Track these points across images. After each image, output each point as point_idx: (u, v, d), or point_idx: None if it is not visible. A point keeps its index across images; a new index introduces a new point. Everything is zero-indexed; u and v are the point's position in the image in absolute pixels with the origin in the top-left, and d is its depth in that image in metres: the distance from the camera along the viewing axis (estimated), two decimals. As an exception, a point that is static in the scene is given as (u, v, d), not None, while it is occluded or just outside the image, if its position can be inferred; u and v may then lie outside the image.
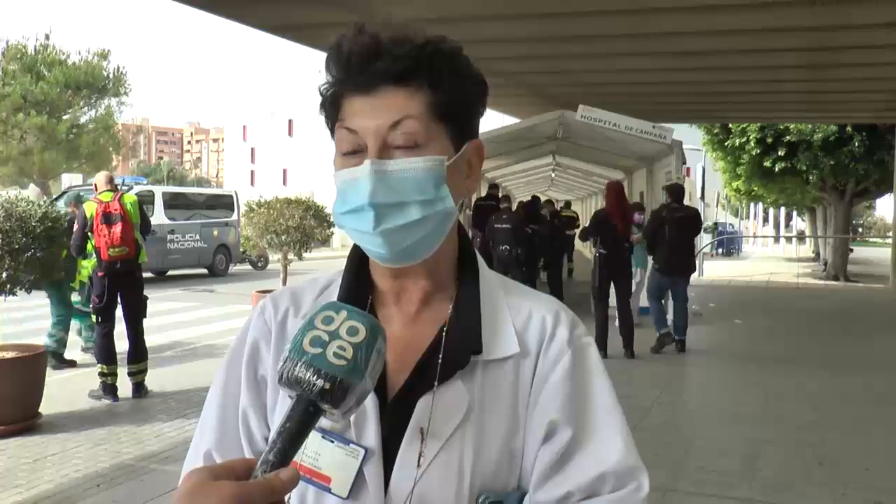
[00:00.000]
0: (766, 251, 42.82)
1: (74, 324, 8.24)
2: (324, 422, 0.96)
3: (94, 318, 6.67)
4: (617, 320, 8.90)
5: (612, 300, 9.10)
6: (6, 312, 7.38)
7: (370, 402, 0.97)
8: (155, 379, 7.13)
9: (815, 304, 15.38)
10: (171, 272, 19.13)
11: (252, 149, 71.19)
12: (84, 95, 36.18)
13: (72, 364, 7.94)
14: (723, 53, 10.41)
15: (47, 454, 5.20)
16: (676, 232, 9.02)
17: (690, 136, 21.88)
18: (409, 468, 0.95)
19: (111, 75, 36.99)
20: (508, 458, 0.98)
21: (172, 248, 18.18)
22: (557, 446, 0.98)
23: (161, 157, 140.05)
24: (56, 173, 34.83)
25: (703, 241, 27.40)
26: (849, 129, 19.01)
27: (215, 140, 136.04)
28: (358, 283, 1.05)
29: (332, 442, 0.97)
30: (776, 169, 20.38)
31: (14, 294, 5.98)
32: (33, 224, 5.91)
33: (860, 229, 64.10)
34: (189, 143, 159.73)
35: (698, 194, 28.89)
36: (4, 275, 5.79)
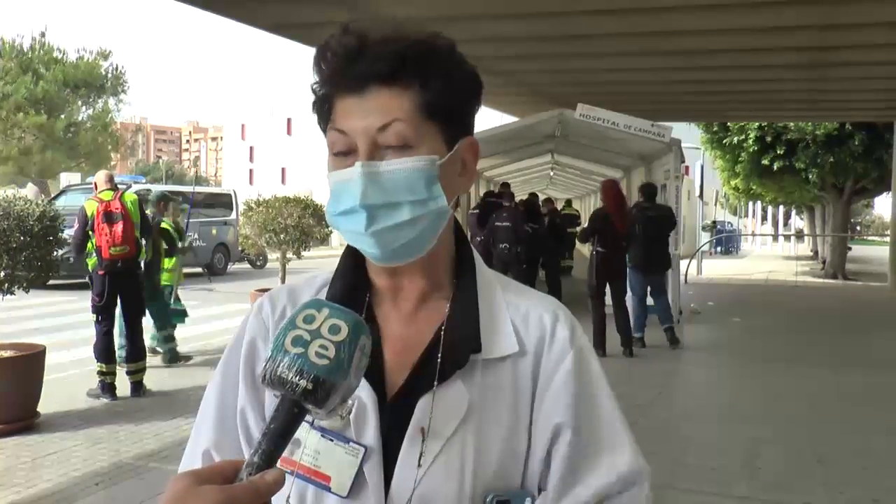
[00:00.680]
0: (764, 249, 42.83)
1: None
2: (323, 420, 0.97)
3: (94, 316, 6.67)
4: (613, 320, 8.91)
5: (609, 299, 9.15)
6: (4, 311, 7.37)
7: (370, 401, 0.97)
8: (153, 378, 7.12)
9: (814, 302, 15.39)
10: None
11: (251, 147, 71.13)
12: (82, 94, 36.17)
13: (187, 359, 8.18)
14: (722, 52, 10.40)
15: (46, 453, 5.20)
16: (648, 230, 9.19)
17: (689, 135, 21.87)
18: (410, 468, 0.95)
19: (109, 74, 36.98)
20: (511, 457, 0.98)
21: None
22: (569, 453, 0.98)
23: (159, 156, 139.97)
24: (54, 172, 34.83)
25: (702, 239, 27.47)
26: (848, 127, 19.01)
27: (214, 139, 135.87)
28: (355, 282, 1.05)
29: (332, 441, 0.97)
30: (775, 167, 20.39)
31: (12, 293, 5.97)
32: (31, 223, 5.90)
33: (858, 227, 64.13)
34: (188, 141, 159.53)
35: (697, 192, 28.94)
36: (2, 274, 5.78)
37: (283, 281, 8.91)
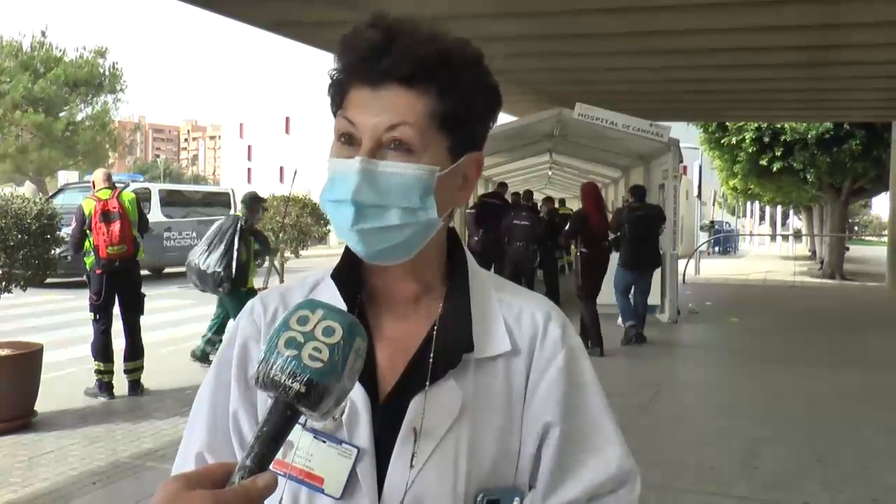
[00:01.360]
0: (762, 249, 42.86)
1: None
2: (316, 422, 0.96)
3: (91, 315, 6.65)
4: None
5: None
6: (2, 310, 7.37)
7: (362, 402, 0.97)
8: (151, 377, 7.10)
9: (812, 302, 15.40)
10: (167, 270, 19.09)
11: (249, 146, 71.14)
12: (81, 93, 36.13)
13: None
14: (721, 52, 10.40)
15: (43, 452, 5.18)
16: (636, 229, 9.45)
17: (687, 135, 21.87)
18: (403, 468, 0.95)
19: (107, 72, 36.95)
20: (504, 456, 0.98)
21: (169, 246, 18.14)
22: (559, 451, 0.99)
23: (158, 155, 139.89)
24: (52, 171, 34.80)
25: (700, 239, 27.50)
26: (846, 126, 19.03)
27: (212, 137, 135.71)
28: (349, 282, 1.04)
29: (325, 442, 0.97)
30: (773, 167, 20.41)
31: (9, 291, 5.96)
32: (29, 221, 5.89)
33: (856, 228, 64.23)
34: (186, 140, 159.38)
35: (695, 192, 28.96)
36: (0, 272, 5.77)
37: (281, 280, 8.91)
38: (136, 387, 6.78)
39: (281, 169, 66.94)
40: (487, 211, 12.37)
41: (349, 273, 1.04)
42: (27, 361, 5.83)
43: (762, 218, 50.90)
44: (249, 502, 0.71)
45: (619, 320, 9.73)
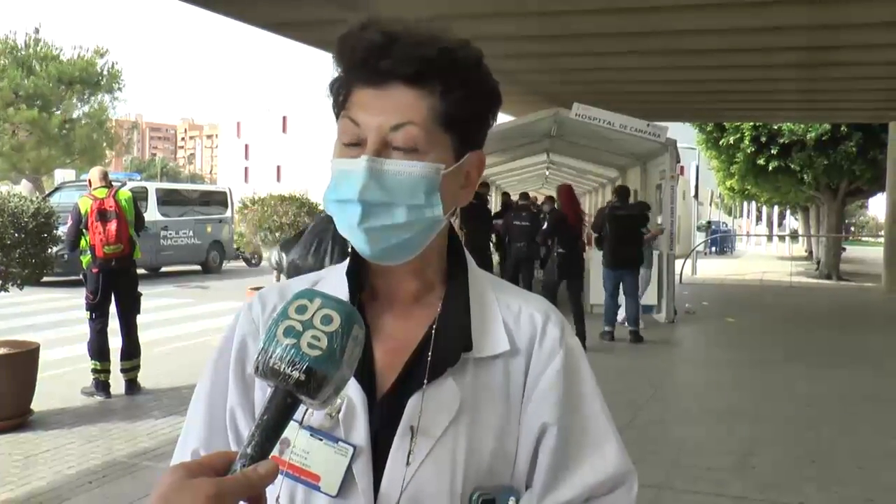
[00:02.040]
0: (759, 250, 42.90)
1: None
2: (313, 420, 0.97)
3: (87, 314, 6.64)
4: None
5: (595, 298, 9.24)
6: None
7: (359, 400, 0.97)
8: (148, 376, 7.09)
9: (808, 302, 15.43)
10: (164, 268, 19.09)
11: (246, 145, 71.04)
12: (77, 90, 36.06)
13: None
14: (718, 52, 10.41)
15: (39, 451, 5.18)
16: (618, 228, 9.65)
17: (685, 135, 21.90)
18: (400, 466, 0.95)
19: (104, 71, 36.87)
20: (501, 456, 0.99)
21: (166, 245, 18.13)
22: (555, 451, 0.99)
23: (155, 154, 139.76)
24: (49, 169, 34.73)
25: (697, 239, 27.52)
26: (843, 128, 19.05)
27: (209, 136, 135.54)
28: (349, 280, 1.04)
29: (321, 440, 0.97)
30: (770, 168, 20.43)
31: (6, 290, 5.95)
32: (25, 220, 5.88)
33: (853, 228, 64.31)
34: (183, 139, 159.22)
35: (692, 193, 28.98)
36: (-4, 271, 5.77)
37: (277, 279, 8.90)
38: (132, 386, 6.77)
39: (278, 168, 66.88)
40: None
41: (350, 271, 1.05)
42: (24, 360, 5.82)
43: (759, 218, 50.94)
44: (251, 489, 0.71)
45: (620, 319, 9.87)
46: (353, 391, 0.96)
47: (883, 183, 18.67)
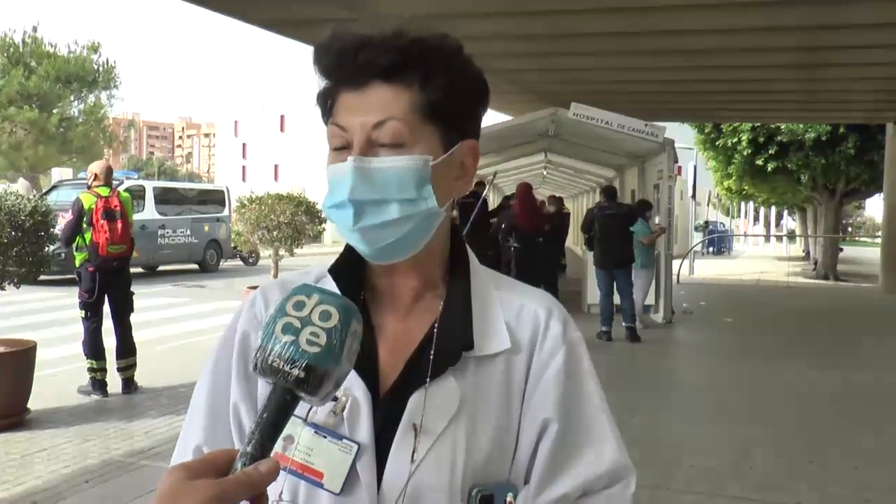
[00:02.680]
0: (756, 250, 42.96)
1: None
2: (317, 417, 0.97)
3: (81, 312, 6.62)
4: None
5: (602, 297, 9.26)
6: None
7: (363, 398, 0.97)
8: (144, 375, 7.08)
9: (805, 302, 15.45)
10: (161, 267, 19.07)
11: (243, 144, 71.01)
12: (74, 89, 36.03)
13: None
14: (716, 52, 10.42)
15: (35, 450, 5.17)
16: (605, 229, 9.84)
17: (682, 135, 21.92)
18: (402, 463, 0.95)
19: (101, 69, 36.85)
20: (500, 452, 0.99)
21: (163, 244, 18.10)
22: (554, 446, 1.00)
23: (152, 152, 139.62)
24: (46, 167, 34.69)
25: (694, 239, 27.53)
26: (841, 129, 19.08)
27: (206, 135, 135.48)
28: (351, 279, 1.04)
29: (325, 437, 0.97)
30: (767, 168, 20.45)
31: (3, 289, 5.94)
32: (22, 218, 5.87)
33: (850, 229, 64.39)
34: (180, 137, 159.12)
35: (690, 193, 29.02)
36: (-7, 269, 5.75)
37: (275, 278, 8.87)
38: (129, 384, 6.76)
39: (276, 167, 66.86)
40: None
41: (350, 272, 1.05)
42: (20, 359, 5.81)
43: (756, 219, 51.00)
44: (252, 489, 0.71)
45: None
46: (357, 389, 0.97)
47: (880, 184, 18.71)
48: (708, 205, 40.47)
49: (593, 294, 10.83)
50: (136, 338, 6.95)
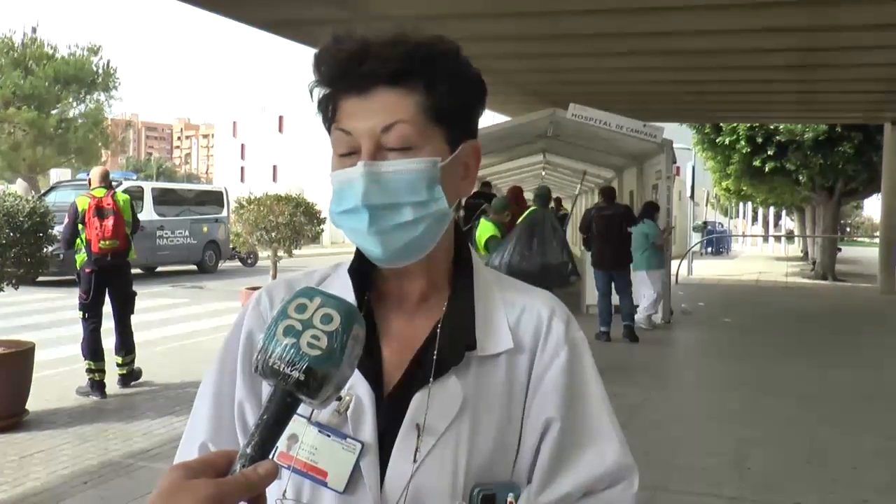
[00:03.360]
0: (755, 250, 42.99)
1: None
2: (321, 416, 0.98)
3: (80, 313, 6.64)
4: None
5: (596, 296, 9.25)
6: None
7: (366, 398, 0.98)
8: (143, 375, 7.09)
9: (804, 302, 15.45)
10: (160, 268, 19.06)
11: (242, 145, 70.95)
12: (73, 90, 36.00)
13: None
14: (714, 53, 10.43)
15: (34, 451, 5.17)
16: (601, 229, 9.88)
17: (681, 136, 21.93)
18: (404, 463, 0.96)
19: (100, 70, 36.82)
20: (502, 452, 1.00)
21: (162, 245, 18.10)
22: (556, 446, 1.00)
23: (150, 153, 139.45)
24: (45, 168, 34.66)
25: (692, 240, 27.54)
26: (839, 129, 19.09)
27: (205, 136, 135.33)
28: (356, 281, 1.05)
29: (329, 437, 0.98)
30: (766, 168, 20.46)
31: (1, 290, 5.94)
32: (21, 219, 5.86)
33: (848, 229, 64.42)
34: (179, 138, 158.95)
35: (688, 193, 29.01)
36: (-9, 270, 5.75)
37: (274, 279, 8.87)
38: (126, 380, 6.82)
39: (274, 168, 66.81)
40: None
41: (355, 272, 1.05)
42: (19, 360, 5.80)
43: (755, 219, 50.99)
44: (250, 490, 0.71)
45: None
46: (361, 389, 0.98)
47: (878, 184, 18.72)
48: (706, 205, 40.47)
49: (592, 295, 10.85)
50: (135, 338, 6.96)
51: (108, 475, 4.74)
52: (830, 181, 21.27)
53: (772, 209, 42.57)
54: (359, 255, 1.04)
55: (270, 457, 0.75)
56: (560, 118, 11.00)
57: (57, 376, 7.26)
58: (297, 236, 8.52)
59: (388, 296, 1.05)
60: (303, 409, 0.80)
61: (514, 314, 1.05)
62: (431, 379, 0.97)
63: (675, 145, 11.59)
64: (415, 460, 0.95)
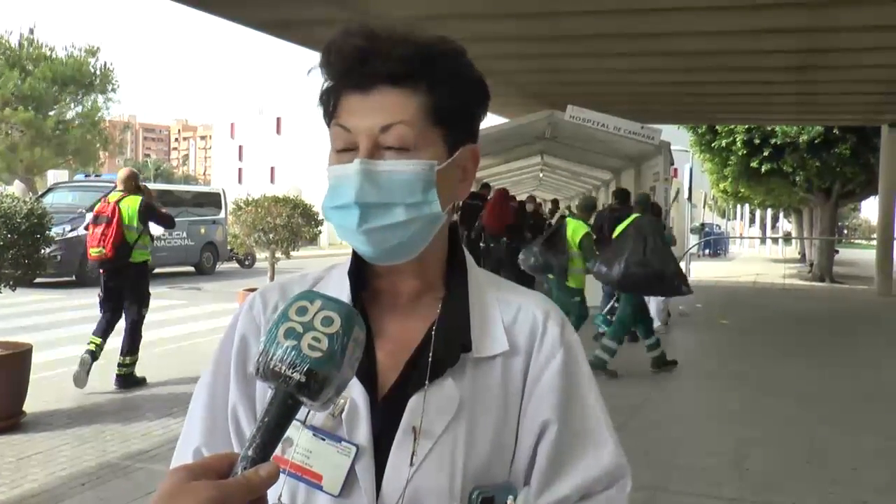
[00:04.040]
0: (752, 252, 43.05)
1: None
2: (316, 420, 0.97)
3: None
4: None
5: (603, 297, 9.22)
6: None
7: (361, 400, 0.97)
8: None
9: (802, 304, 15.47)
10: (158, 270, 19.01)
11: (240, 146, 70.99)
12: (71, 91, 35.96)
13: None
14: (712, 55, 10.45)
15: (32, 453, 5.15)
16: (612, 230, 9.73)
17: (678, 137, 21.94)
18: (401, 466, 0.95)
19: (98, 71, 36.78)
20: (499, 453, 0.99)
21: (159, 246, 18.01)
22: (554, 448, 1.00)
23: (148, 155, 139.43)
24: (42, 169, 34.61)
25: (690, 241, 27.56)
26: (835, 131, 19.11)
27: (203, 137, 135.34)
28: (350, 281, 1.04)
29: (324, 440, 0.97)
30: (763, 170, 20.48)
31: (-1, 291, 5.93)
32: (18, 221, 5.85)
33: (845, 231, 64.53)
34: (176, 140, 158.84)
35: (685, 195, 29.01)
36: (-11, 271, 5.74)
37: (271, 280, 8.86)
38: (125, 381, 6.87)
39: (272, 169, 66.82)
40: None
41: (349, 272, 1.05)
42: (16, 361, 5.79)
43: (752, 221, 51.08)
44: (252, 492, 0.71)
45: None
46: (355, 392, 0.97)
47: (876, 186, 18.75)
48: (704, 207, 40.50)
49: (591, 296, 10.83)
50: (137, 341, 7.03)
51: (106, 476, 4.73)
52: (827, 183, 21.31)
53: (769, 211, 42.69)
54: (355, 254, 1.03)
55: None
56: (558, 120, 11.02)
57: (55, 378, 7.24)
58: (294, 238, 8.52)
59: (382, 294, 1.04)
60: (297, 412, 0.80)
61: (509, 315, 1.04)
62: (427, 381, 0.97)
63: (672, 147, 11.60)
64: (412, 463, 0.95)
